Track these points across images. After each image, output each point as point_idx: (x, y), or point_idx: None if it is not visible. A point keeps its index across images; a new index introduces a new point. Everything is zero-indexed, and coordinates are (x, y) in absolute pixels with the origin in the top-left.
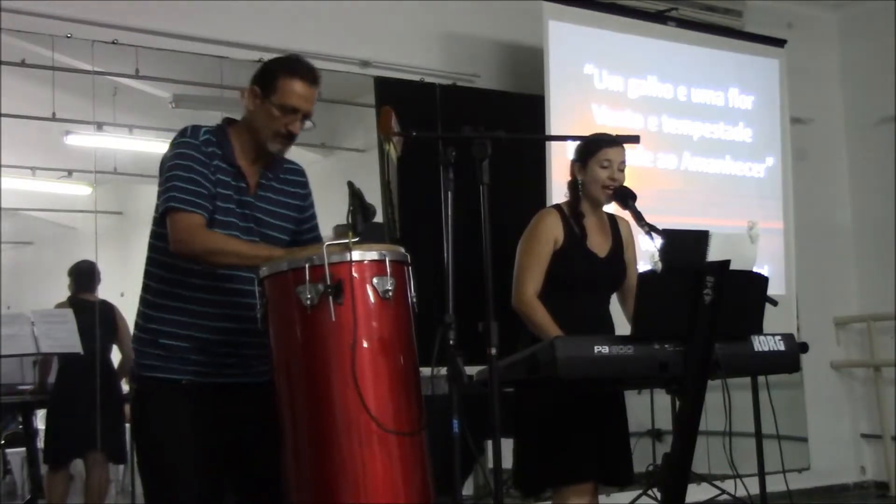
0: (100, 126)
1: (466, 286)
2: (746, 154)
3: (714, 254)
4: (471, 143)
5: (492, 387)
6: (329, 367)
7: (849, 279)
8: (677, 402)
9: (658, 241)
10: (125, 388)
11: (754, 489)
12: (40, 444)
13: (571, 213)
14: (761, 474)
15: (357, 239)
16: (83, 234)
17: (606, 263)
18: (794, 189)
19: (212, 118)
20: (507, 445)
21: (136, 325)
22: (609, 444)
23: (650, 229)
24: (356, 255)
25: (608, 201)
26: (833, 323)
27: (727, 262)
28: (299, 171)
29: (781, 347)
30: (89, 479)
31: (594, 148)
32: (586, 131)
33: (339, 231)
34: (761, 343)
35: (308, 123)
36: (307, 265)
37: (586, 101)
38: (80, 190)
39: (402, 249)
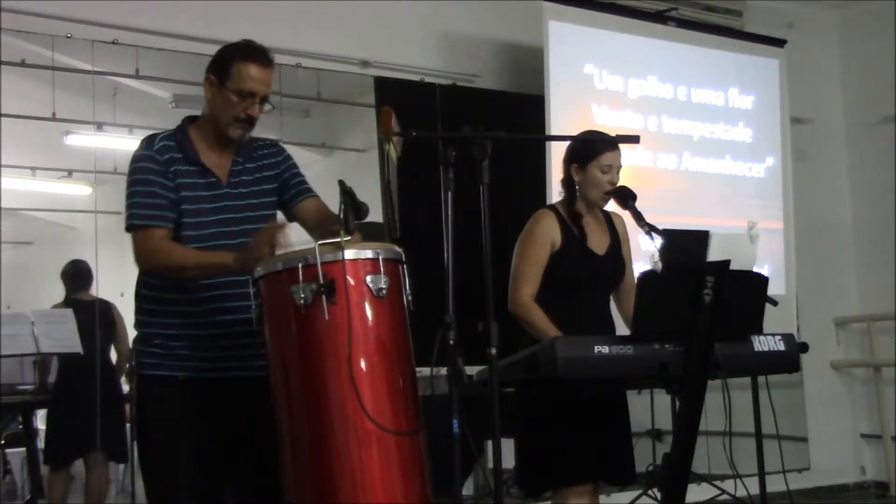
0: (100, 126)
1: (466, 286)
2: (746, 154)
3: (714, 254)
4: (471, 143)
5: (492, 387)
6: (324, 367)
7: (849, 279)
8: (677, 402)
9: (658, 241)
10: (125, 387)
11: (754, 489)
12: (40, 444)
13: (568, 213)
14: (761, 474)
15: (349, 238)
16: (83, 234)
17: (606, 261)
18: (794, 189)
19: None
20: (507, 445)
21: (136, 326)
22: (610, 444)
23: (650, 229)
24: (349, 253)
25: (603, 204)
26: (833, 323)
27: (727, 262)
28: (272, 145)
29: (781, 347)
30: (89, 479)
31: (594, 151)
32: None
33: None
34: (761, 343)
35: (267, 106)
36: (300, 265)
37: (586, 101)
38: (80, 190)
39: (397, 248)
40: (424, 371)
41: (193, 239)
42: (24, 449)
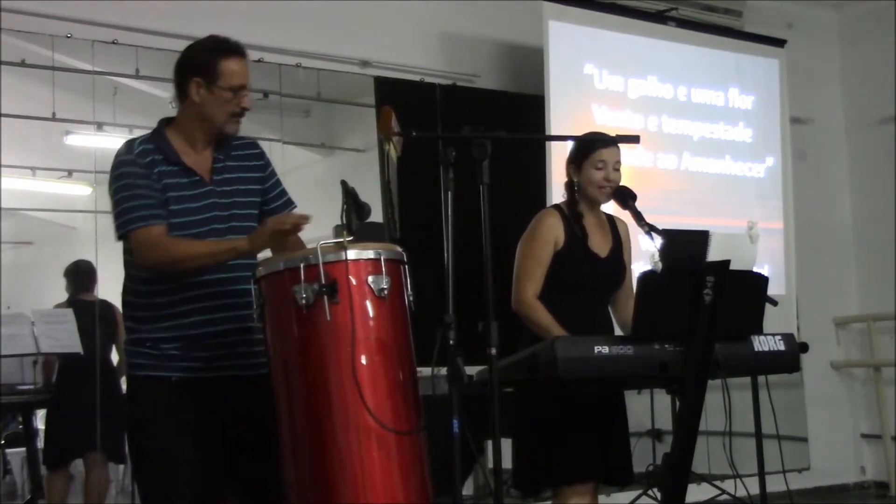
0: (100, 126)
1: (466, 286)
2: (746, 154)
3: (714, 254)
4: (471, 143)
5: (492, 387)
6: (326, 367)
7: (849, 279)
8: (677, 402)
9: (658, 241)
10: (125, 387)
11: (754, 489)
12: (40, 444)
13: (571, 214)
14: (761, 474)
15: (351, 238)
16: (83, 234)
17: (608, 263)
18: (794, 189)
19: None
20: (508, 445)
21: (126, 329)
22: (609, 444)
23: (650, 229)
24: (351, 254)
25: (606, 200)
26: (833, 323)
27: (727, 262)
28: (252, 144)
29: (781, 347)
30: (89, 479)
31: (588, 149)
32: (586, 131)
33: (339, 231)
34: (761, 343)
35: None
36: (302, 265)
37: (586, 101)
38: (80, 190)
39: (399, 248)
40: (424, 371)
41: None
42: (23, 449)
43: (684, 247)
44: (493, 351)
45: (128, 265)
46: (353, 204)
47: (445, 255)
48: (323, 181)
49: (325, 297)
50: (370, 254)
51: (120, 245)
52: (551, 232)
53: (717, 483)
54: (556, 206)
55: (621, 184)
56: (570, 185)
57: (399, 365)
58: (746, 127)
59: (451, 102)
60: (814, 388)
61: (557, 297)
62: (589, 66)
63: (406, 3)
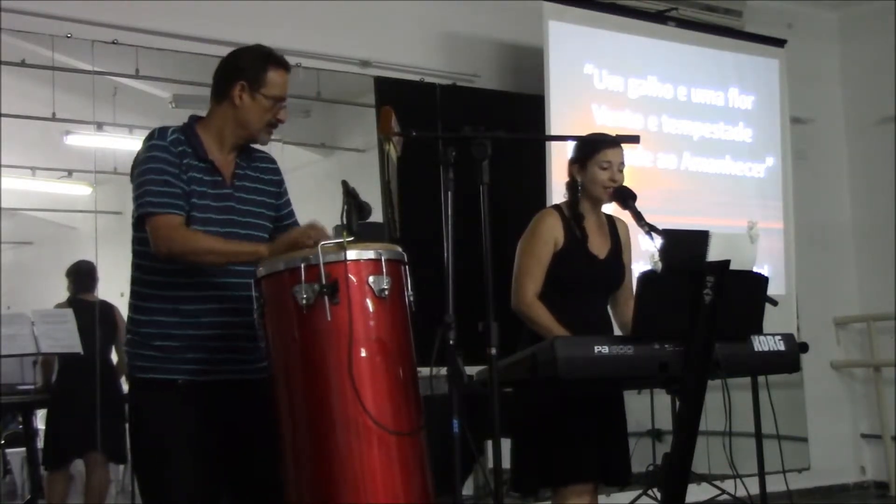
0: (100, 126)
1: (466, 286)
2: (746, 154)
3: (714, 254)
4: (471, 143)
5: (492, 387)
6: (326, 367)
7: (849, 279)
8: (677, 402)
9: (658, 241)
10: (125, 387)
11: (754, 489)
12: (40, 444)
13: (571, 214)
14: (761, 474)
15: (352, 238)
16: (83, 234)
17: (606, 265)
18: (794, 189)
19: None
20: (508, 445)
21: (128, 328)
22: (608, 445)
23: (650, 229)
24: (352, 254)
25: (609, 201)
26: (833, 323)
27: (727, 262)
28: (270, 160)
29: (781, 347)
30: (89, 480)
31: (593, 149)
32: (586, 131)
33: (339, 231)
34: (761, 343)
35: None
36: (303, 265)
37: (586, 101)
38: (80, 190)
39: (399, 248)
40: (424, 371)
41: None
42: (23, 449)
43: (684, 247)
44: (493, 351)
45: (137, 254)
46: (353, 204)
47: (445, 255)
48: (323, 181)
49: (326, 298)
50: (371, 254)
51: (120, 245)
52: (551, 232)
53: (717, 483)
54: (556, 207)
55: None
56: (572, 185)
57: (400, 365)
58: (746, 127)
59: (451, 102)
60: (814, 388)
61: (557, 297)
62: (589, 66)
63: (406, 3)
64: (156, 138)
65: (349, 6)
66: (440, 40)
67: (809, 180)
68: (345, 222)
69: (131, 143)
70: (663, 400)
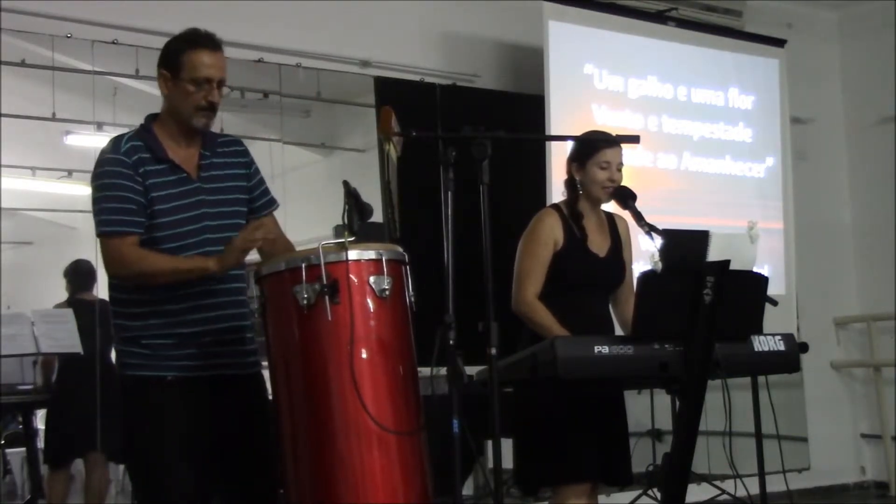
0: (100, 126)
1: (466, 286)
2: (746, 154)
3: (714, 254)
4: (471, 143)
5: (492, 387)
6: (327, 367)
7: (849, 279)
8: (677, 402)
9: (658, 241)
10: None
11: (754, 489)
12: (40, 444)
13: (571, 213)
14: (761, 474)
15: (353, 238)
16: (83, 234)
17: (606, 263)
18: (794, 189)
19: None
20: (507, 445)
21: (116, 329)
22: (608, 444)
23: (650, 229)
24: (353, 254)
25: (608, 200)
26: (833, 323)
27: (727, 262)
28: (236, 142)
29: (781, 347)
30: (89, 479)
31: (592, 149)
32: (586, 131)
33: (340, 231)
34: (761, 343)
35: (225, 89)
36: (304, 264)
37: (586, 101)
38: (80, 190)
39: (400, 249)
40: (424, 371)
41: (175, 238)
42: (23, 449)
43: (684, 247)
44: (493, 351)
45: None
46: (354, 204)
47: (445, 255)
48: (323, 181)
49: (327, 298)
50: (372, 254)
51: None
52: (551, 232)
53: (717, 483)
54: (555, 206)
55: (621, 183)
56: (571, 183)
57: (400, 365)
58: (746, 127)
59: (451, 102)
60: (814, 388)
61: (557, 296)
62: (589, 66)
63: (406, 3)
64: (110, 152)
65: (349, 6)
66: (440, 40)
67: (809, 180)
68: (346, 222)
69: None
70: (663, 400)
